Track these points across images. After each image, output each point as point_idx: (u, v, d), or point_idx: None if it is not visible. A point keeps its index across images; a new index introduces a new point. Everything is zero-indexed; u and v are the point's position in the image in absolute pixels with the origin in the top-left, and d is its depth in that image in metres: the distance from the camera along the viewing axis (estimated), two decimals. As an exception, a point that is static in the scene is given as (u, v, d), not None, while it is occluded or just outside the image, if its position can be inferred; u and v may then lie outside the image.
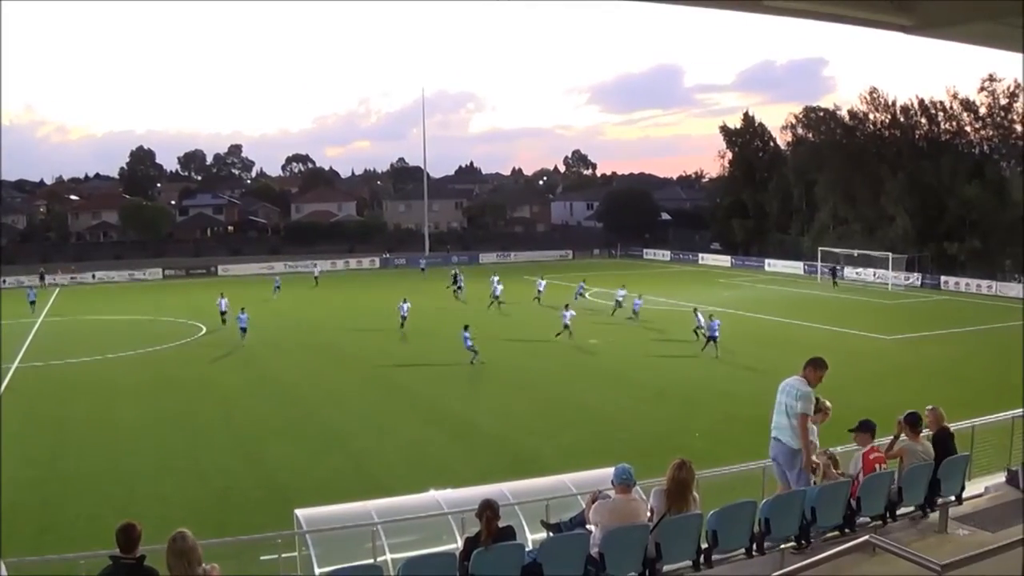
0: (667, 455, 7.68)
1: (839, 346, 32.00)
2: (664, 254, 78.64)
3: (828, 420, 8.70)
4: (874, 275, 56.19)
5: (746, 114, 77.75)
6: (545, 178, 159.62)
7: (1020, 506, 8.48)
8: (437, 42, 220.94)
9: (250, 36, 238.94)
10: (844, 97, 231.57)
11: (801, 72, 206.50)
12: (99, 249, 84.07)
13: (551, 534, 7.51)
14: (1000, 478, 9.61)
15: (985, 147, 59.53)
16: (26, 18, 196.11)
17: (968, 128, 59.47)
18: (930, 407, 8.97)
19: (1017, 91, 55.32)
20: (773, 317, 40.69)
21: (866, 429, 8.58)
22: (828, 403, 8.75)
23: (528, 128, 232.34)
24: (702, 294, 47.40)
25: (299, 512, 10.46)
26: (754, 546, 7.59)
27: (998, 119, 57.07)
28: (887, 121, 63.38)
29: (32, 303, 45.88)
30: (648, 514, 7.17)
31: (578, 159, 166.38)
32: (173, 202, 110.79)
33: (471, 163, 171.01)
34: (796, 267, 63.95)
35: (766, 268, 66.79)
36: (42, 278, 59.40)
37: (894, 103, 62.60)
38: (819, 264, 59.09)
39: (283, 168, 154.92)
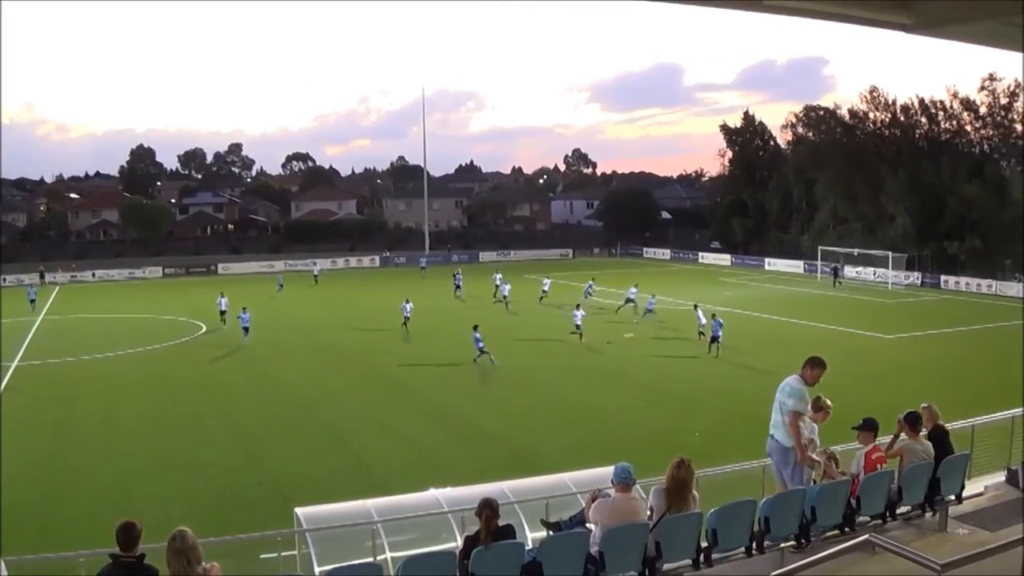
0: (667, 454, 7.68)
1: (839, 345, 32.03)
2: (664, 253, 78.65)
3: (829, 419, 8.70)
4: (874, 274, 56.21)
5: (746, 113, 77.91)
6: (545, 177, 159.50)
7: (1020, 505, 8.48)
8: (437, 41, 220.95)
9: (250, 35, 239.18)
10: (844, 96, 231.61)
11: (801, 71, 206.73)
12: (99, 247, 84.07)
13: (551, 533, 7.50)
14: (1000, 477, 9.60)
15: (985, 146, 59.56)
16: (26, 17, 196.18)
17: (968, 127, 59.51)
18: (925, 405, 8.96)
19: (1017, 90, 55.42)
20: (773, 316, 40.69)
21: (869, 428, 8.57)
22: (829, 402, 8.74)
23: (528, 127, 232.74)
24: (702, 293, 47.37)
25: (299, 510, 10.47)
26: (754, 545, 7.59)
27: (998, 118, 57.09)
28: (887, 120, 63.41)
29: (32, 301, 45.91)
30: (648, 513, 7.17)
31: (578, 158, 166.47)
32: (173, 200, 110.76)
33: (471, 162, 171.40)
34: (796, 266, 63.96)
35: (766, 267, 66.82)
36: (42, 276, 59.42)
37: (894, 102, 62.75)
38: (819, 263, 59.11)
39: (283, 166, 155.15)
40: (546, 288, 46.30)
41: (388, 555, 9.17)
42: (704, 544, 7.34)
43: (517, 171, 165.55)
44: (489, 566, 6.37)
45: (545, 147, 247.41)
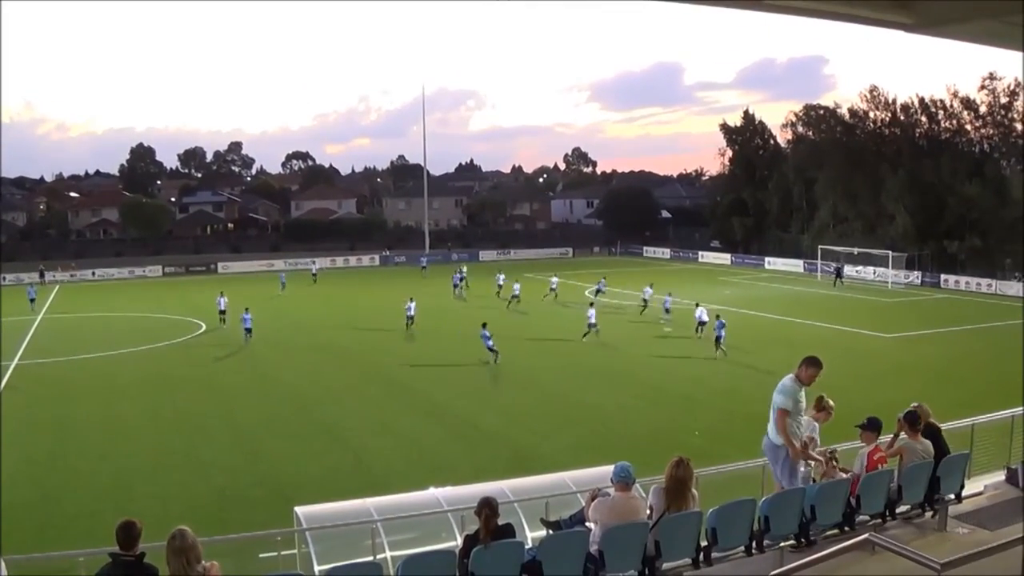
0: (667, 453, 7.67)
1: (839, 344, 32.05)
2: (664, 252, 78.61)
3: (832, 420, 8.69)
4: (874, 273, 56.19)
5: (746, 112, 77.82)
6: (545, 176, 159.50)
7: (1019, 504, 8.47)
8: (437, 40, 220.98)
9: (250, 34, 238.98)
10: (844, 95, 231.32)
11: (801, 70, 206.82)
12: (99, 246, 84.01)
13: (551, 532, 7.51)
14: (999, 476, 9.59)
15: (985, 145, 59.49)
16: (26, 17, 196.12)
17: (968, 126, 59.46)
18: (915, 404, 8.95)
19: (1017, 89, 55.34)
20: (773, 315, 40.69)
21: (873, 428, 8.56)
22: (832, 403, 8.73)
23: (528, 126, 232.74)
24: (702, 292, 47.32)
25: (299, 510, 10.47)
26: (754, 544, 7.59)
27: (998, 117, 57.03)
28: (887, 119, 63.37)
29: (32, 300, 45.92)
30: (648, 512, 7.17)
31: (578, 157, 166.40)
32: (173, 199, 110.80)
33: (471, 161, 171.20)
34: (796, 265, 63.95)
35: (766, 266, 66.81)
36: (42, 275, 59.40)
37: (894, 101, 62.70)
38: (819, 262, 59.10)
39: (283, 165, 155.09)
40: (554, 286, 46.34)
41: (388, 554, 9.17)
42: (704, 543, 7.34)
43: (517, 170, 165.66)
44: (489, 565, 6.36)
45: (545, 146, 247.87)
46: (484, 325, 29.57)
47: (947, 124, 60.56)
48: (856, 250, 56.57)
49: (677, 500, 7.06)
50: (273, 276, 59.42)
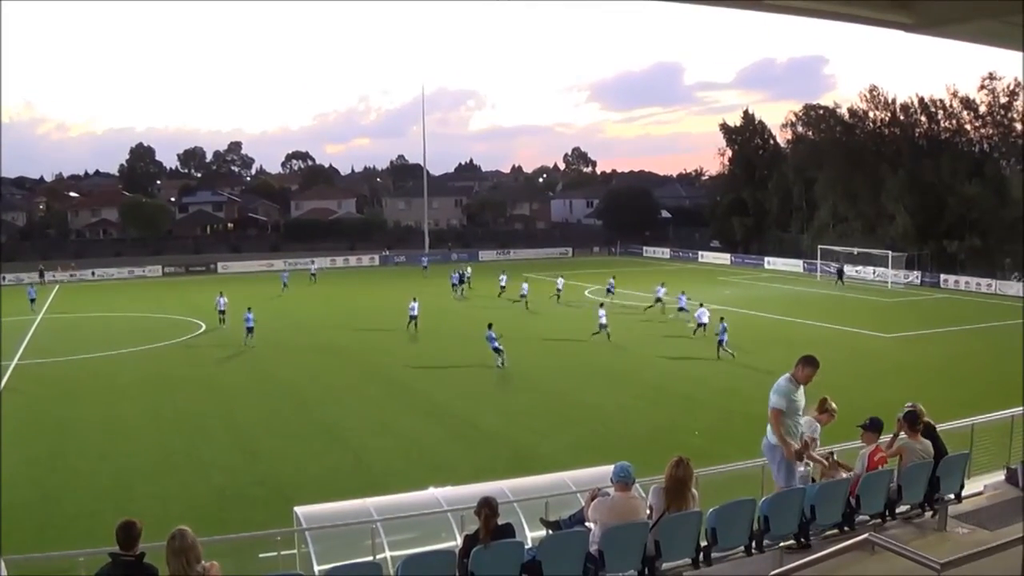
0: (667, 453, 7.67)
1: (839, 344, 32.05)
2: (664, 252, 78.60)
3: (834, 421, 8.68)
4: (874, 273, 56.18)
5: (746, 112, 77.83)
6: (545, 176, 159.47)
7: (1019, 504, 8.47)
8: (437, 40, 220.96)
9: (250, 34, 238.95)
10: (844, 95, 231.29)
11: (801, 70, 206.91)
12: (99, 246, 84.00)
13: (550, 532, 7.51)
14: (999, 476, 9.59)
15: (985, 145, 59.50)
16: (26, 17, 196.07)
17: (968, 126, 59.48)
18: (910, 404, 8.94)
19: (1017, 89, 55.36)
20: (773, 315, 40.69)
21: (874, 428, 8.56)
22: (835, 405, 8.72)
23: (528, 126, 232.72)
24: (702, 292, 47.31)
25: (298, 509, 10.48)
26: (753, 544, 7.59)
27: (998, 117, 57.04)
28: (887, 119, 63.37)
29: (32, 300, 45.89)
30: (647, 512, 7.17)
31: (578, 157, 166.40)
32: (173, 199, 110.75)
33: (471, 160, 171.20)
34: (796, 265, 63.95)
35: (766, 266, 66.81)
36: (42, 275, 59.41)
37: (894, 101, 62.72)
38: (819, 262, 59.11)
39: (283, 165, 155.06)
40: (560, 287, 46.38)
41: (388, 554, 9.17)
42: (703, 543, 7.34)
43: (517, 170, 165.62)
44: (488, 565, 6.36)
45: (545, 146, 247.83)
46: (490, 326, 29.14)
47: (947, 124, 60.60)
48: (856, 250, 56.56)
49: (677, 500, 7.06)
50: (273, 276, 59.41)
